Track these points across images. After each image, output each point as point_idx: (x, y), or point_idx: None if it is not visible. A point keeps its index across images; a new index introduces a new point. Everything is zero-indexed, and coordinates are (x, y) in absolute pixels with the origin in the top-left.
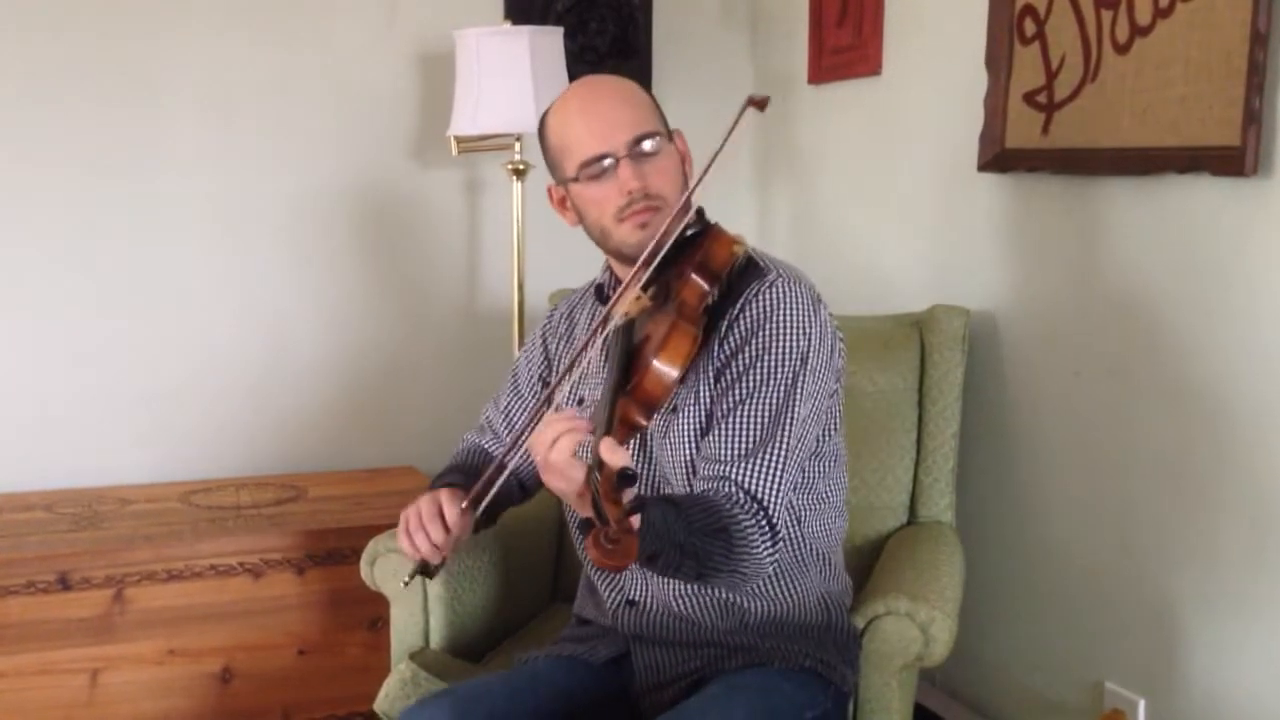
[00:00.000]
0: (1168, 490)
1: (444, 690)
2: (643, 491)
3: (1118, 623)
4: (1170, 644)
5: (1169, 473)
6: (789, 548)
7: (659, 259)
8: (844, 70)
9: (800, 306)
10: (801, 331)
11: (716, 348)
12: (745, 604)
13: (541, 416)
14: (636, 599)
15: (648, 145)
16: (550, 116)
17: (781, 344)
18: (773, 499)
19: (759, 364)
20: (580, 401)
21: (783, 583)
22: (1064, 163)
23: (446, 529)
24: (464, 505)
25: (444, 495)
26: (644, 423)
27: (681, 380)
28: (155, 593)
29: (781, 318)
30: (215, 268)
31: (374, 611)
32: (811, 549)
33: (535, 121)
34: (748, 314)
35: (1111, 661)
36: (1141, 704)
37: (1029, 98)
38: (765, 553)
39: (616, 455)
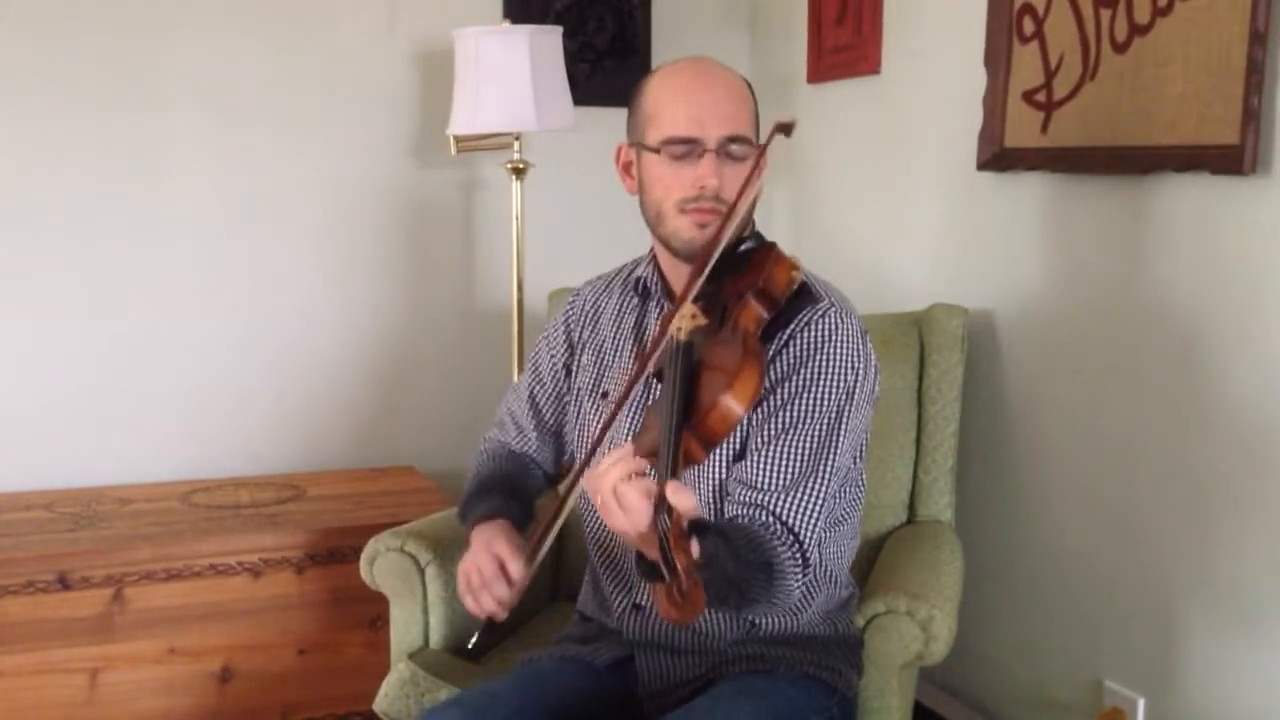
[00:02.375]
0: (1167, 489)
1: (453, 700)
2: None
3: (1117, 621)
4: (1170, 642)
5: (1169, 471)
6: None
7: (711, 270)
8: (843, 69)
9: (851, 339)
10: (850, 365)
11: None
12: (753, 619)
13: (598, 422)
14: (643, 603)
15: (737, 149)
16: (655, 80)
17: (831, 376)
18: (808, 533)
19: (806, 394)
20: (604, 395)
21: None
22: (1063, 161)
23: (510, 584)
24: (525, 555)
25: (504, 549)
26: (703, 457)
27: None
28: (155, 592)
29: (832, 349)
30: (214, 268)
31: (373, 611)
32: (826, 570)
33: (534, 121)
34: (798, 342)
35: (1111, 660)
36: (1141, 702)
37: (1028, 97)
38: (796, 584)
39: (686, 500)
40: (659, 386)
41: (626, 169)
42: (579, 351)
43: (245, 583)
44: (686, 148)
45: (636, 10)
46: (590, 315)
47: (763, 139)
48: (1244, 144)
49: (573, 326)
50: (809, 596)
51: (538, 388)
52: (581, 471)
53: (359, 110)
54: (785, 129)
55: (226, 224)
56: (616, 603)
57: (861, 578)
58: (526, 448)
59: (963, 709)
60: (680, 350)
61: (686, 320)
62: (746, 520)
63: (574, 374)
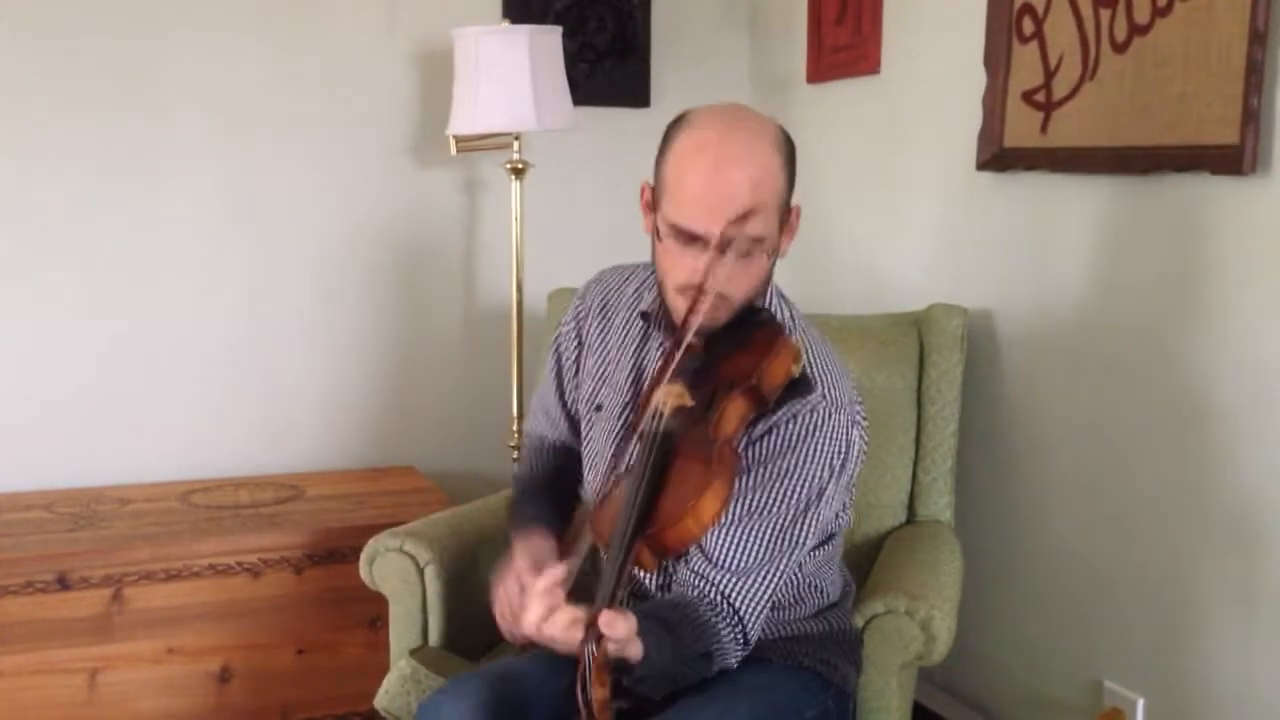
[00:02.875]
0: (1166, 488)
1: (476, 672)
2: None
3: (1117, 621)
4: (1169, 642)
5: (1167, 471)
6: (790, 587)
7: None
8: (843, 69)
9: (834, 438)
10: (828, 465)
11: (741, 447)
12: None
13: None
14: (646, 594)
15: (744, 248)
16: (680, 142)
17: (805, 472)
18: (753, 617)
19: (778, 484)
20: (599, 408)
21: (778, 612)
22: (1063, 161)
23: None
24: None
25: (545, 566)
26: (653, 567)
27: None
28: (154, 592)
29: (814, 445)
30: (214, 268)
31: (373, 610)
32: (809, 584)
33: (534, 121)
34: (782, 431)
35: (1111, 660)
36: (1140, 702)
37: (1027, 96)
38: (735, 659)
39: (616, 629)
40: (633, 455)
41: (647, 209)
42: (585, 353)
43: (245, 583)
44: (689, 238)
45: (636, 10)
46: (599, 317)
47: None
48: (1244, 144)
49: (582, 322)
50: (795, 605)
51: (561, 380)
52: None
53: (359, 110)
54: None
55: (226, 224)
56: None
57: (861, 578)
58: (561, 437)
59: (962, 709)
60: (657, 438)
61: (672, 399)
62: (696, 595)
63: (580, 372)
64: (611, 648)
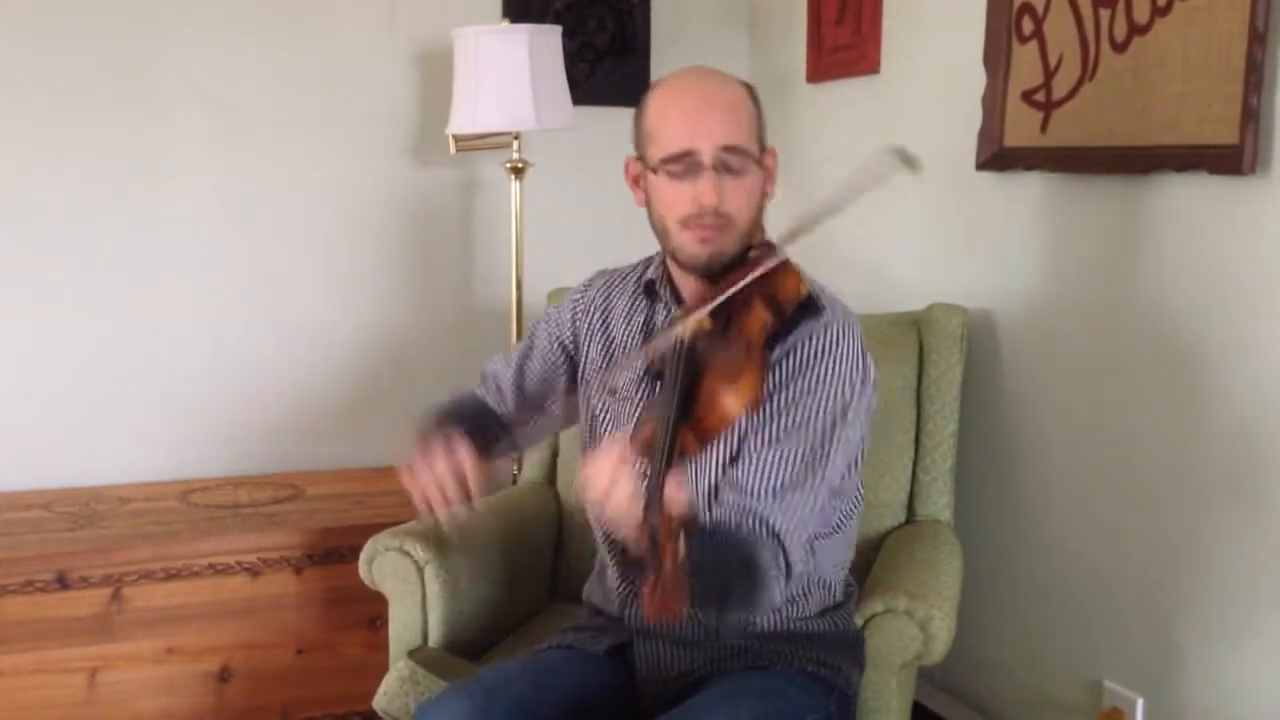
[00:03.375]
0: (1166, 488)
1: (467, 681)
2: None
3: (1116, 621)
4: (1169, 642)
5: (1167, 470)
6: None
7: (729, 295)
8: (842, 69)
9: (851, 354)
10: (848, 380)
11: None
12: (750, 615)
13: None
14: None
15: (735, 161)
16: (655, 94)
17: (828, 388)
18: (794, 540)
19: (803, 404)
20: (612, 392)
21: (786, 606)
22: (1062, 161)
23: (469, 494)
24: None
25: (463, 455)
26: (698, 451)
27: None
28: (153, 592)
29: (832, 362)
30: (214, 267)
31: (372, 610)
32: (819, 578)
33: (533, 120)
34: (799, 352)
35: (1110, 660)
36: (1140, 702)
37: (1027, 96)
38: (778, 590)
39: (678, 498)
40: (660, 386)
41: (635, 182)
42: (586, 343)
43: (244, 582)
44: (684, 166)
45: (636, 10)
46: (600, 308)
47: (768, 140)
48: (1243, 144)
49: (579, 314)
50: (800, 600)
51: (529, 360)
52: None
53: (359, 110)
54: (907, 161)
55: (226, 224)
56: (618, 588)
57: (860, 577)
58: (497, 407)
59: (962, 709)
60: (683, 351)
61: (693, 324)
62: (736, 525)
63: (582, 366)
64: (674, 515)
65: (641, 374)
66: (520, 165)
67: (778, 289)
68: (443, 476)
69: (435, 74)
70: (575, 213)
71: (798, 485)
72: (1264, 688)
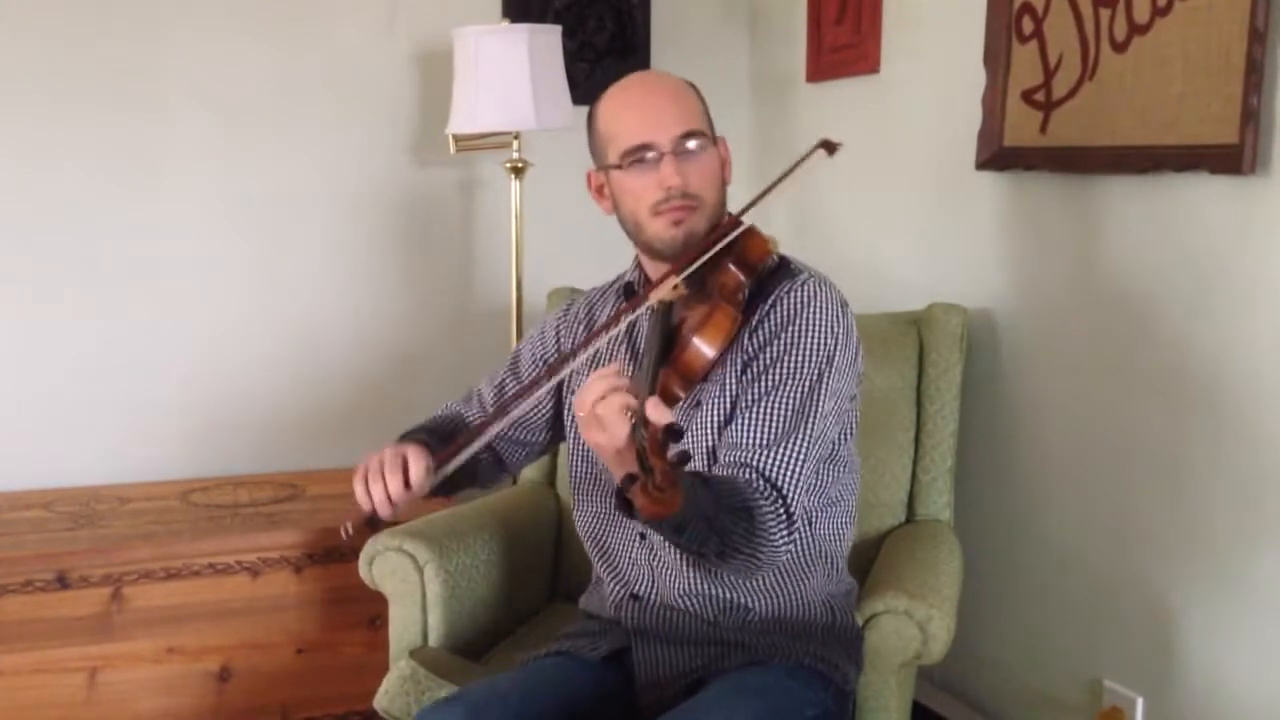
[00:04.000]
0: (1166, 488)
1: (456, 694)
2: None
3: (1116, 621)
4: (1169, 642)
5: (1167, 471)
6: (798, 547)
7: (698, 264)
8: (842, 68)
9: (830, 306)
10: (829, 330)
11: (745, 340)
12: (748, 603)
13: (555, 372)
14: (641, 594)
15: (692, 144)
16: (602, 103)
17: (810, 340)
18: (791, 488)
19: (787, 358)
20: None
21: (788, 582)
22: (1062, 161)
23: (407, 485)
24: (429, 464)
25: (411, 450)
26: (682, 395)
27: (720, 360)
28: (153, 591)
29: (811, 314)
30: (214, 267)
31: (372, 610)
32: (820, 550)
33: (533, 120)
34: (778, 309)
35: (1110, 659)
36: (1140, 701)
37: (1027, 96)
38: (781, 540)
39: (663, 413)
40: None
41: (599, 192)
42: (568, 360)
43: (244, 582)
44: (644, 155)
45: (636, 9)
46: (583, 320)
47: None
48: (1243, 143)
49: (563, 332)
50: (805, 573)
51: (510, 380)
52: (512, 404)
53: (358, 110)
54: (829, 148)
55: (226, 223)
56: (613, 592)
57: (860, 577)
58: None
59: (961, 708)
60: (659, 312)
61: (667, 293)
62: (733, 478)
63: (567, 385)
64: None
65: (625, 360)
66: (520, 165)
67: (745, 249)
68: (385, 469)
69: (435, 74)
70: (575, 213)
71: (789, 434)
72: (1264, 687)
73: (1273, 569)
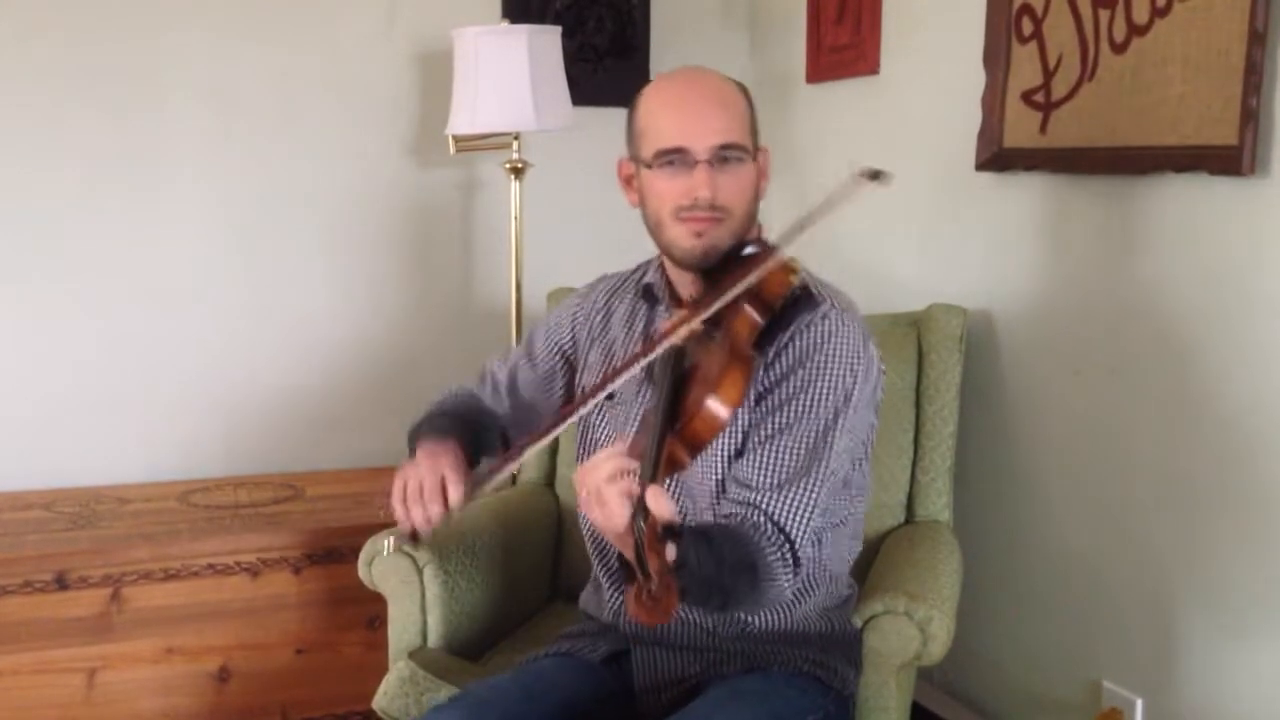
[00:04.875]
0: (1166, 489)
1: (457, 696)
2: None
3: (1116, 622)
4: (1168, 643)
5: (1167, 472)
6: (805, 568)
7: (732, 296)
8: (842, 69)
9: (851, 341)
10: (849, 368)
11: (762, 372)
12: (746, 616)
13: (582, 405)
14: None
15: (729, 156)
16: (646, 94)
17: (828, 378)
18: (799, 532)
19: (803, 395)
20: (610, 397)
21: (792, 601)
22: (1062, 162)
23: (446, 507)
24: (467, 489)
25: (449, 471)
26: (688, 462)
27: (730, 420)
28: (153, 592)
29: (831, 351)
30: (213, 267)
31: (372, 610)
32: (824, 569)
33: (533, 121)
34: (797, 343)
35: (1109, 660)
36: (1139, 703)
37: (1027, 97)
38: (786, 583)
39: (663, 505)
40: (652, 393)
41: (628, 182)
42: (586, 348)
43: (243, 582)
44: (678, 158)
45: (636, 10)
46: (601, 313)
47: (761, 139)
48: (1242, 144)
49: (579, 320)
50: (806, 593)
51: (524, 365)
52: (548, 432)
53: (358, 110)
54: (874, 176)
55: (225, 224)
56: (611, 598)
57: (859, 578)
58: (495, 408)
59: (961, 709)
60: (671, 355)
61: (684, 330)
62: (737, 520)
63: (580, 372)
64: (659, 524)
65: (640, 381)
66: (520, 165)
67: (763, 287)
68: (425, 495)
69: (435, 74)
70: (575, 213)
71: (801, 476)
72: (1264, 688)
73: (1272, 570)
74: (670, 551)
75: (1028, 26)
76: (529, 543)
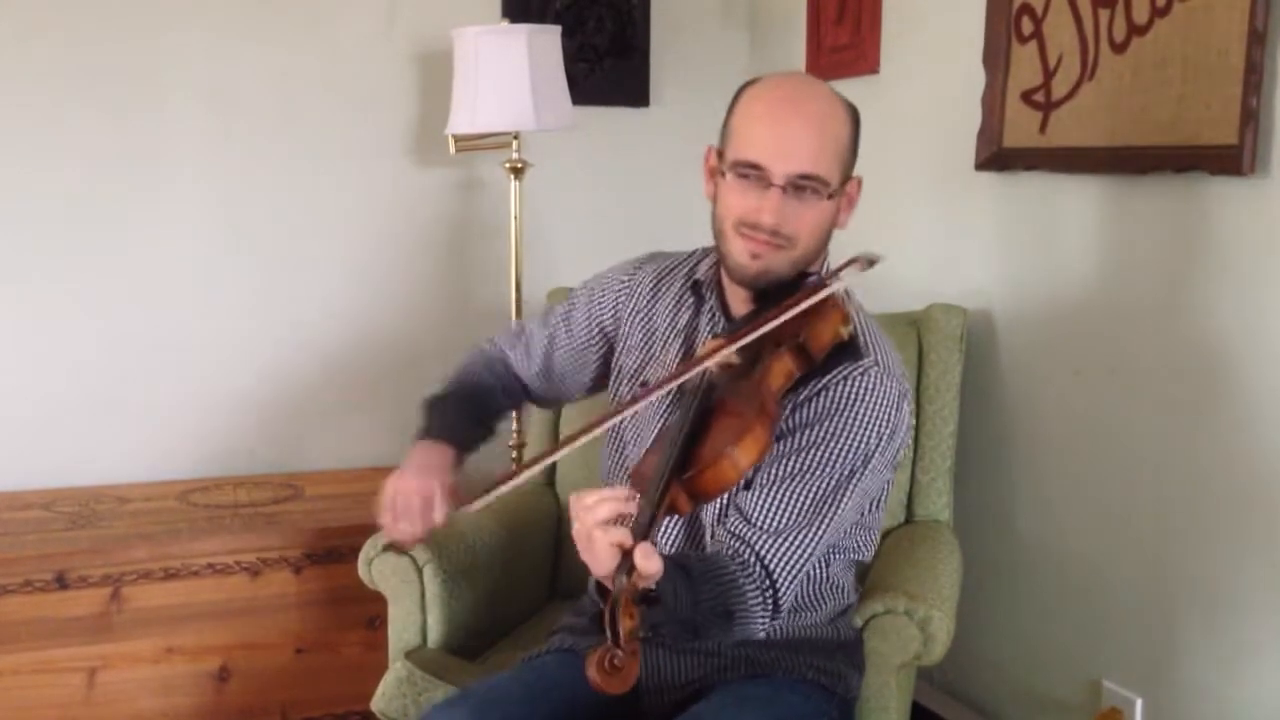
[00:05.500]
0: (1166, 488)
1: (459, 695)
2: (671, 533)
3: (1115, 621)
4: (1168, 643)
5: (1167, 471)
6: (811, 585)
7: (759, 334)
8: (842, 69)
9: (885, 403)
10: (875, 431)
11: (789, 411)
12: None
13: (605, 421)
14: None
15: (806, 186)
16: (749, 94)
17: (852, 436)
18: (786, 581)
19: (824, 447)
20: (644, 384)
21: (796, 615)
22: (1061, 161)
23: (428, 525)
24: (451, 508)
25: (438, 487)
26: (688, 509)
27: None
28: (153, 591)
29: (862, 410)
30: (212, 267)
31: (371, 610)
32: (832, 584)
33: (533, 120)
34: (830, 393)
35: (1109, 660)
36: (1139, 702)
37: (1027, 96)
38: (761, 627)
39: (650, 565)
40: (678, 411)
41: (711, 173)
42: (628, 326)
43: (243, 582)
44: (754, 174)
45: (636, 10)
46: (648, 296)
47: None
48: (1242, 144)
49: (623, 298)
50: (813, 608)
51: (562, 332)
52: (564, 446)
53: (358, 110)
54: (868, 263)
55: (225, 224)
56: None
57: (860, 577)
58: (523, 371)
59: (961, 709)
60: (701, 388)
61: (720, 356)
62: (727, 554)
63: (620, 351)
64: (640, 583)
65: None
66: (520, 165)
67: (810, 337)
68: (412, 512)
69: (435, 74)
70: (575, 213)
71: (801, 528)
72: (1263, 687)
73: (1273, 569)
74: (640, 614)
75: (1028, 26)
76: (529, 543)
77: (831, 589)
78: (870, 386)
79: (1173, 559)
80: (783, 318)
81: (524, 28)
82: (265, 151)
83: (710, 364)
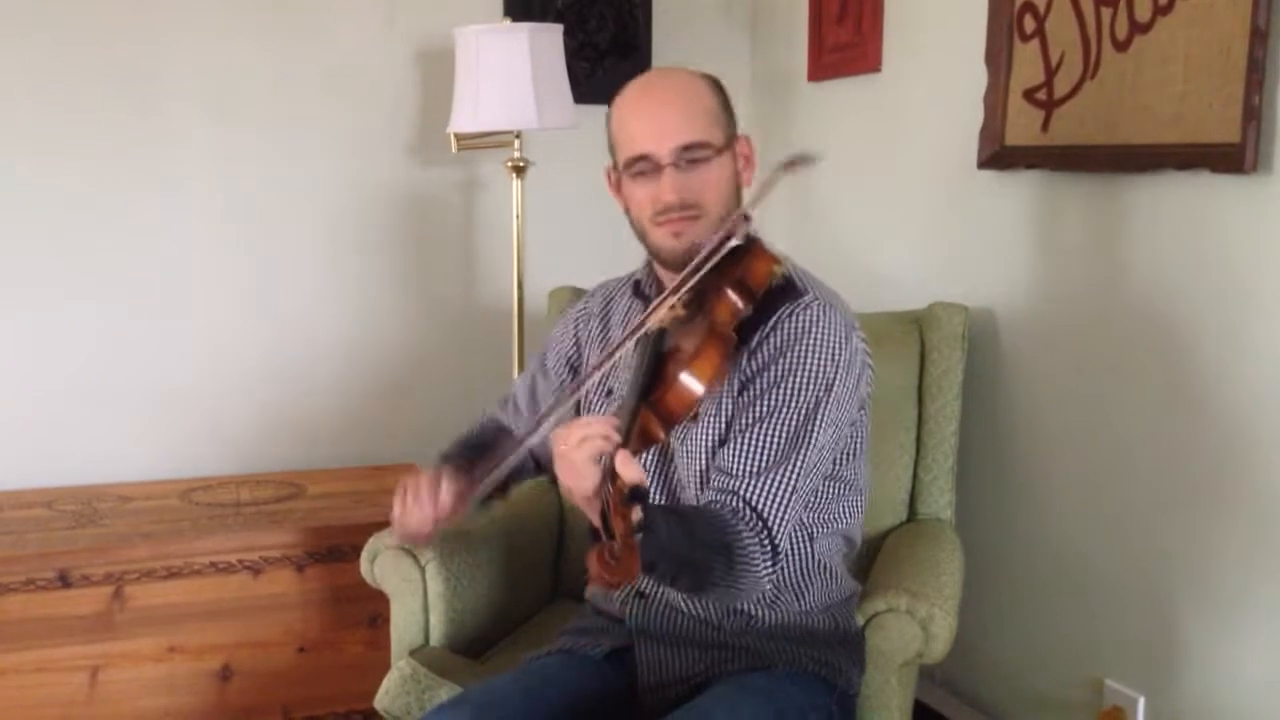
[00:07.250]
0: (1167, 487)
1: (460, 695)
2: (656, 498)
3: (1118, 620)
4: (1170, 641)
5: (1168, 470)
6: (797, 562)
7: (697, 279)
8: (844, 67)
9: (833, 331)
10: (830, 357)
11: (745, 361)
12: (751, 610)
13: (563, 401)
14: (646, 591)
15: (696, 156)
16: (615, 103)
17: (809, 367)
18: (778, 519)
19: (784, 383)
20: (609, 393)
21: (788, 595)
22: (1064, 160)
23: (435, 513)
24: (461, 489)
25: (446, 477)
26: (662, 436)
27: (706, 396)
28: (155, 590)
29: (812, 341)
30: (214, 266)
31: (374, 609)
32: (819, 563)
33: (535, 119)
34: (779, 333)
35: (1111, 659)
36: (1141, 701)
37: (1029, 95)
38: (764, 571)
39: (630, 469)
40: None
41: (616, 189)
42: (589, 348)
43: (245, 581)
44: (645, 165)
45: (637, 8)
46: (599, 314)
47: (739, 126)
48: (1245, 142)
49: (580, 325)
50: (803, 589)
51: (540, 378)
52: (533, 430)
53: (359, 109)
54: (794, 165)
55: (226, 223)
56: (620, 589)
57: (861, 576)
58: (516, 426)
59: (963, 707)
60: (650, 337)
61: (662, 311)
62: (716, 506)
63: (581, 373)
64: (625, 489)
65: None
66: (521, 164)
67: (747, 272)
68: (420, 493)
69: (436, 73)
70: (576, 212)
71: (780, 464)
72: (1264, 686)
73: (1273, 568)
74: (636, 513)
75: (1030, 24)
76: (531, 541)
77: (820, 569)
78: (815, 318)
79: (1174, 557)
80: (709, 252)
81: (525, 26)
82: (265, 151)
83: (659, 315)
